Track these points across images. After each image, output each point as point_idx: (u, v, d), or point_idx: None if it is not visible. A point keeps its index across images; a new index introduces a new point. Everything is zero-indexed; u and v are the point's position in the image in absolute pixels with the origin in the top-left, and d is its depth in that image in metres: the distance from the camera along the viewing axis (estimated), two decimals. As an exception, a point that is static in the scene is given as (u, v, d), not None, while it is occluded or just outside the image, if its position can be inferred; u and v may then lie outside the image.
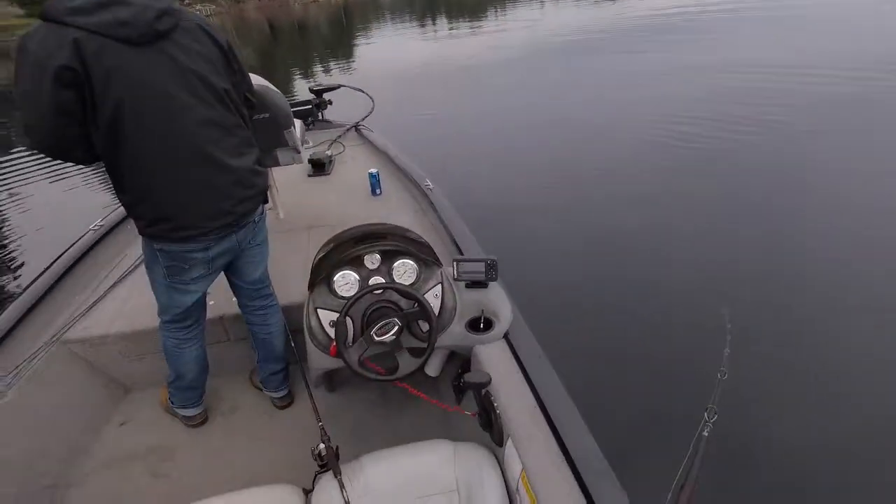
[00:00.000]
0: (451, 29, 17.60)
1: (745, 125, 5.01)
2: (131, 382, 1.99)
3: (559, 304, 2.83)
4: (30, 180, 6.09)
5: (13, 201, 5.54)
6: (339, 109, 3.83)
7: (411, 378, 1.46)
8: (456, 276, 1.61)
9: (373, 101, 3.58)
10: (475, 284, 1.63)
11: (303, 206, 2.61)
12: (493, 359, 1.45)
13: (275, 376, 1.82)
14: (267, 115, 1.98)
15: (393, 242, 1.52)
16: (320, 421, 1.39)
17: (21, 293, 1.90)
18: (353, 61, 13.44)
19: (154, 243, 1.37)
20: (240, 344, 1.95)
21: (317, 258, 1.51)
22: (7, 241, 4.59)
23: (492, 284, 1.63)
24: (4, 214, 5.24)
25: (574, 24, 13.51)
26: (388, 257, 1.54)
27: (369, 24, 24.07)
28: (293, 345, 1.72)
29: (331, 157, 3.07)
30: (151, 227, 1.32)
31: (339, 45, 17.87)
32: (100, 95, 1.11)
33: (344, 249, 1.51)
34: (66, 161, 1.22)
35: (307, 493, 1.26)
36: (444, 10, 25.66)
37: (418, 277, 1.54)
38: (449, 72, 9.83)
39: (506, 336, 1.52)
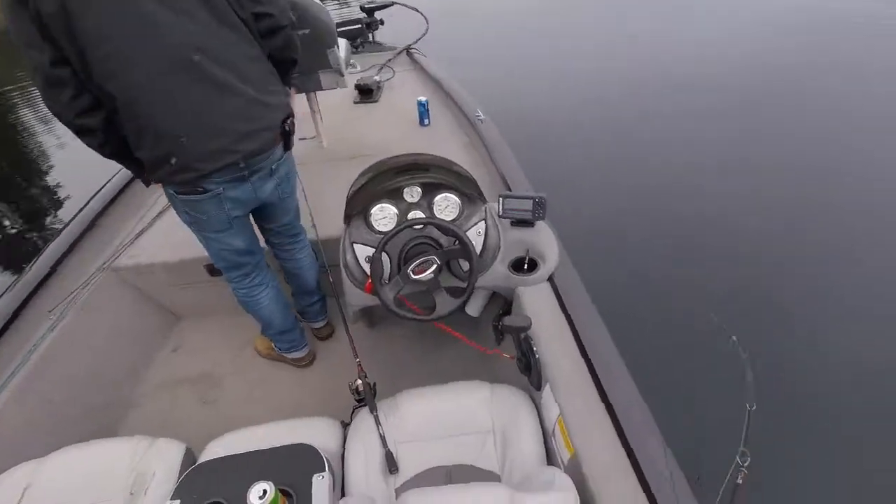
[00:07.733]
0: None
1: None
2: (181, 310, 2.10)
3: (610, 248, 2.68)
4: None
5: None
6: (391, 30, 3.58)
7: (451, 318, 1.39)
8: (501, 212, 1.48)
9: (427, 22, 3.29)
10: (521, 223, 1.50)
11: (347, 135, 2.50)
12: (536, 302, 1.38)
13: (311, 307, 1.86)
14: (307, 30, 1.83)
15: (435, 175, 1.41)
16: (357, 357, 1.41)
17: (69, 223, 1.95)
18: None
19: (168, 188, 1.27)
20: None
21: (352, 189, 1.42)
22: (52, 172, 4.70)
23: (539, 224, 1.50)
24: (50, 144, 5.30)
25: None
26: (430, 190, 1.43)
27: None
28: (331, 279, 1.70)
29: (379, 82, 2.89)
30: (152, 171, 1.21)
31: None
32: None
33: (383, 181, 1.41)
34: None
35: (345, 425, 1.29)
36: None
37: (461, 213, 1.44)
38: None
39: (551, 279, 1.44)
